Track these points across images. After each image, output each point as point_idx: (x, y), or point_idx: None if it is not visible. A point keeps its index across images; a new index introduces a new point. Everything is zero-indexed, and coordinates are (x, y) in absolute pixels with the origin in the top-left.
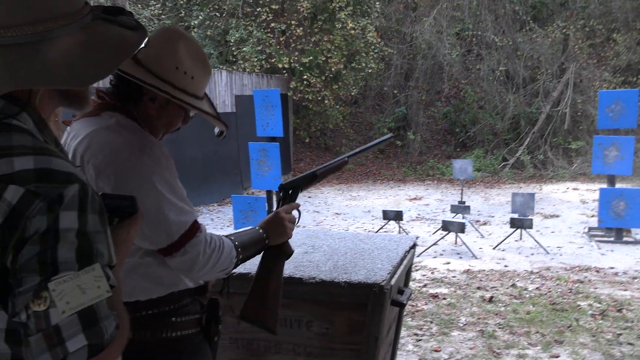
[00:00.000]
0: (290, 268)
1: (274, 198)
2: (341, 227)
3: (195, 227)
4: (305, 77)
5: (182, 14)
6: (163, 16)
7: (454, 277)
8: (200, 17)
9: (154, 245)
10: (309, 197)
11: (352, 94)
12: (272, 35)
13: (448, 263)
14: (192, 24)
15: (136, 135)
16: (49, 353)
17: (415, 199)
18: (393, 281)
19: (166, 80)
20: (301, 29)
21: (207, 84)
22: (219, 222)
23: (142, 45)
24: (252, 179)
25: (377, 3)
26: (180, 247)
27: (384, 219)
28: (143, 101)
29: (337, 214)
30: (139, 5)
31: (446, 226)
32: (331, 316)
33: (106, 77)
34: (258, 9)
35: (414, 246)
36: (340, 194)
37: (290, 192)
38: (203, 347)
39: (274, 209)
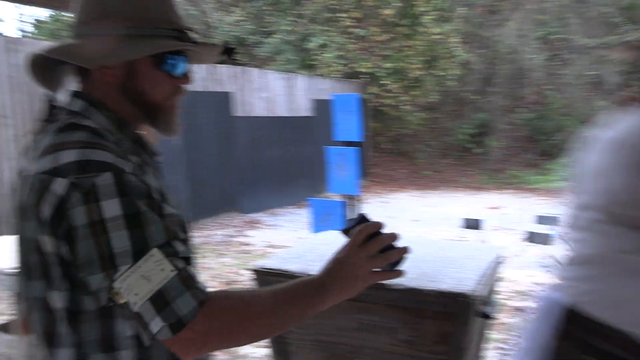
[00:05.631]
0: None
1: (348, 203)
2: (417, 234)
3: None
4: (384, 82)
5: (264, 20)
6: (245, 22)
7: (540, 290)
8: (282, 23)
9: None
10: (384, 202)
11: (431, 99)
12: (352, 41)
13: (533, 276)
14: (274, 30)
15: None
16: (144, 334)
17: (494, 207)
18: (480, 291)
19: None
20: (383, 34)
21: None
22: (296, 225)
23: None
24: (329, 183)
25: (460, 8)
26: None
27: (463, 227)
28: None
29: (413, 220)
30: (222, 12)
31: (531, 237)
32: (417, 324)
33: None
34: (339, 15)
35: (500, 256)
36: (416, 200)
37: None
38: None
39: (348, 214)
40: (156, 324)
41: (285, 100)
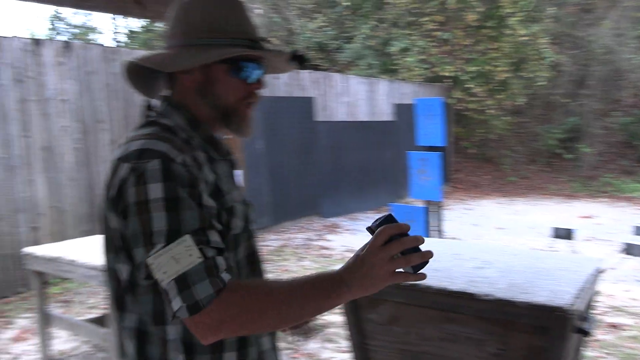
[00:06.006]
0: (462, 282)
1: (430, 209)
2: (503, 242)
3: None
4: (468, 86)
5: (345, 25)
6: (327, 28)
7: (637, 306)
8: (363, 28)
9: None
10: (468, 209)
11: (518, 103)
12: (435, 45)
13: (630, 291)
14: (355, 34)
15: None
16: (168, 309)
17: (586, 216)
18: (578, 306)
19: None
20: (467, 37)
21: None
22: None
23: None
24: (410, 188)
25: (550, 8)
26: None
27: (553, 236)
28: None
29: (498, 228)
30: (305, 19)
31: (628, 249)
32: (506, 337)
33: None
34: (422, 19)
35: (599, 269)
36: (502, 208)
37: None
38: None
39: (430, 220)
40: (177, 303)
41: (367, 105)
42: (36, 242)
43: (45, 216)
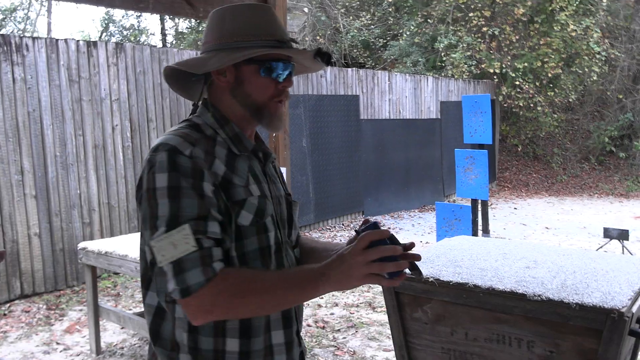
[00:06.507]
0: (512, 282)
1: (477, 208)
2: (552, 243)
3: None
4: (517, 82)
5: (391, 22)
6: (372, 26)
7: None
8: (409, 25)
9: None
10: (515, 208)
11: (570, 100)
12: (482, 41)
13: None
14: (401, 32)
15: None
16: (165, 289)
17: None
18: (634, 308)
19: None
20: (515, 33)
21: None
22: (419, 229)
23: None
24: (456, 187)
25: (604, 1)
26: None
27: (605, 237)
28: None
29: (546, 228)
30: (350, 17)
31: None
32: (557, 339)
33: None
34: (469, 15)
35: None
36: (551, 207)
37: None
38: None
39: (476, 220)
40: (171, 284)
41: (412, 103)
42: (89, 238)
43: (96, 212)
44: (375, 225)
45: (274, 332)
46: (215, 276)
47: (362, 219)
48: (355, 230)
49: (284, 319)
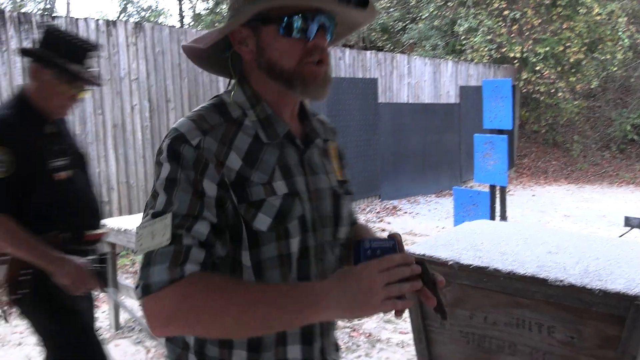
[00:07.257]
0: (533, 267)
1: (495, 194)
2: (571, 230)
3: None
4: (538, 67)
5: (410, 5)
6: (391, 9)
7: None
8: (429, 8)
9: None
10: (533, 195)
11: (592, 86)
12: (503, 24)
13: None
14: (420, 15)
15: None
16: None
17: None
18: None
19: None
20: (538, 16)
21: None
22: (436, 214)
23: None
24: (475, 172)
25: None
26: None
27: (626, 225)
28: None
29: (565, 215)
30: None
31: None
32: (578, 324)
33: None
34: None
35: None
36: (570, 195)
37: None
38: None
39: (494, 206)
40: (138, 278)
41: (431, 87)
42: (107, 216)
43: (114, 191)
44: (395, 247)
45: (289, 347)
46: (181, 278)
47: (379, 202)
48: (364, 247)
49: (303, 335)
